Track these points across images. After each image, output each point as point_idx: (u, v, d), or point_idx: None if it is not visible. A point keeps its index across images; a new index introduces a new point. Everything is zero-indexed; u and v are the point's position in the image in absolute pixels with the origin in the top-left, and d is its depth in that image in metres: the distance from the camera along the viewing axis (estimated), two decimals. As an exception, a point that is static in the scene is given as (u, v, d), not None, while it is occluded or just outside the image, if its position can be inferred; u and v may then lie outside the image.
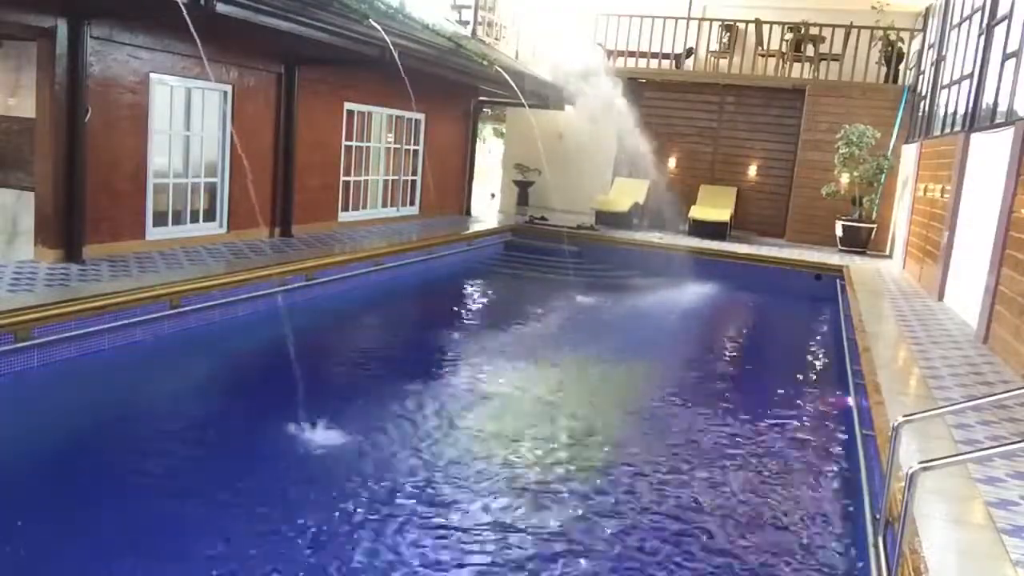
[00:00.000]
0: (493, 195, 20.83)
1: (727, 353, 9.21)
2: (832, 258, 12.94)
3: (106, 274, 7.09)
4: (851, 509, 4.68)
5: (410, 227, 12.79)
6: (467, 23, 12.68)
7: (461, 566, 3.82)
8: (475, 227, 13.95)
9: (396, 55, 8.58)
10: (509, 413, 6.09)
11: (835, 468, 5.41)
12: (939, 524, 3.47)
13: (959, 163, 9.22)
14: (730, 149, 16.09)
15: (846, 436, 5.89)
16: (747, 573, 4.00)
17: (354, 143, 12.06)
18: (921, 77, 13.86)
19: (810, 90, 14.94)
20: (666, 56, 16.13)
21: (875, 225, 14.01)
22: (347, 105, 11.71)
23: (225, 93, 9.35)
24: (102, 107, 7.66)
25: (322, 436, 5.20)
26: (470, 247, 12.81)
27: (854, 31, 14.88)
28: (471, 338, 8.61)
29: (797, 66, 15.54)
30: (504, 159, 18.10)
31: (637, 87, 16.15)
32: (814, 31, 15.30)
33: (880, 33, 14.80)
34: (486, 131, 24.72)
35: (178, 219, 8.97)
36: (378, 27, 8.39)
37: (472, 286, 11.66)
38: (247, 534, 3.98)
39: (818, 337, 9.95)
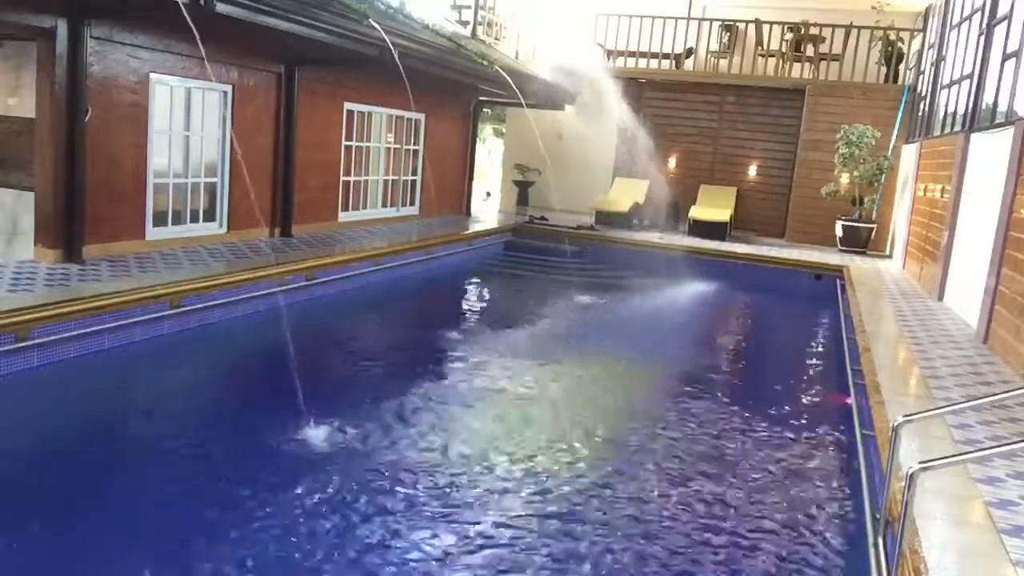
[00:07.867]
0: (488, 194, 20.89)
1: (726, 353, 9.20)
2: (832, 258, 12.94)
3: (106, 274, 7.09)
4: (851, 509, 4.67)
5: (410, 227, 12.79)
6: (467, 23, 12.68)
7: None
8: (475, 227, 13.95)
9: (396, 55, 8.58)
10: (507, 410, 6.09)
11: (835, 468, 5.40)
12: (939, 524, 3.47)
13: (959, 163, 9.22)
14: (730, 149, 16.09)
15: (846, 436, 5.89)
16: (747, 572, 4.00)
17: (354, 143, 12.06)
18: (921, 77, 13.86)
19: (810, 90, 14.95)
20: (666, 56, 16.14)
21: (875, 225, 14.02)
22: (347, 105, 11.71)
23: (225, 93, 9.35)
24: (102, 107, 7.65)
25: (321, 434, 5.20)
26: (470, 247, 12.81)
27: (854, 31, 14.88)
28: (471, 337, 8.60)
29: (797, 66, 15.55)
30: (504, 159, 18.10)
31: (637, 87, 16.16)
32: (814, 31, 15.31)
33: (880, 33, 14.81)
34: (486, 131, 24.72)
35: (178, 219, 8.97)
36: (378, 27, 8.40)
37: (472, 286, 11.66)
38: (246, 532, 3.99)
39: (818, 337, 9.94)
